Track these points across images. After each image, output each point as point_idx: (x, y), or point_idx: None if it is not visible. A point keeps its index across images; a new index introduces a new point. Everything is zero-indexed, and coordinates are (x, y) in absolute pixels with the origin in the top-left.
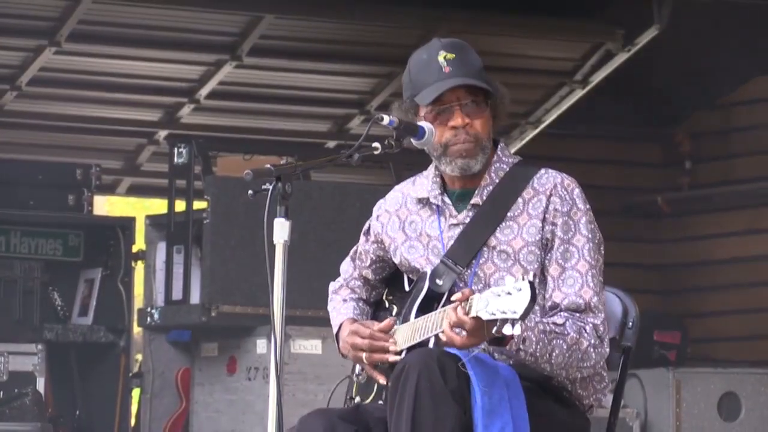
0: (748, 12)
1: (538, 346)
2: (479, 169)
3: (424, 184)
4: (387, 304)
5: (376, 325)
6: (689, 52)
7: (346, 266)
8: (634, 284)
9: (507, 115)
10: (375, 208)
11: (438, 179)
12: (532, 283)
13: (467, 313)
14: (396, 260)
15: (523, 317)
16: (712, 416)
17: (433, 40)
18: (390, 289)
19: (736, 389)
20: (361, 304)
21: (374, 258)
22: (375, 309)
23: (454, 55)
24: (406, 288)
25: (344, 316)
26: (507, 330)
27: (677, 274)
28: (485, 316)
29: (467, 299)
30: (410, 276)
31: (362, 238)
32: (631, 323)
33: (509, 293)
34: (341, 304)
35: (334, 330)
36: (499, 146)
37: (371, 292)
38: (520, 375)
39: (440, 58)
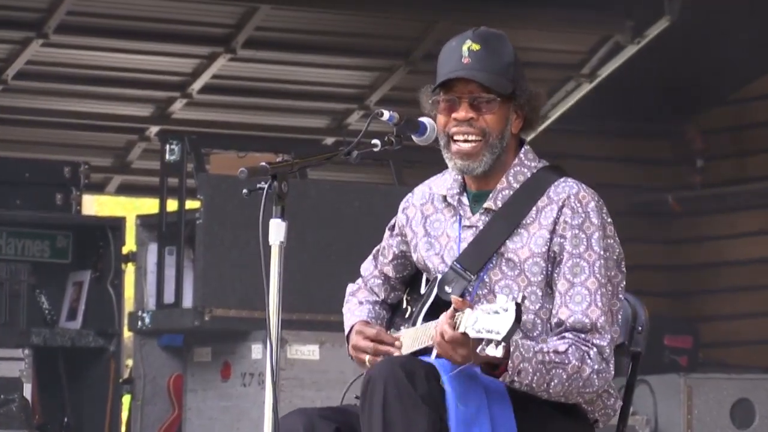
0: (763, 4)
1: (535, 377)
2: (483, 171)
3: (446, 180)
4: (405, 304)
5: (385, 333)
6: (701, 44)
7: (367, 265)
8: (644, 287)
9: (540, 117)
10: (402, 201)
11: (459, 177)
12: (519, 306)
13: (456, 328)
14: (414, 256)
15: (506, 339)
16: (725, 424)
17: (473, 29)
18: (410, 290)
19: (750, 396)
20: (377, 308)
21: (397, 253)
22: (396, 307)
23: (479, 47)
24: (422, 290)
25: (357, 318)
26: (491, 351)
27: (688, 275)
28: (472, 334)
29: (460, 310)
30: (427, 276)
31: (386, 234)
32: (640, 327)
33: (496, 312)
34: (356, 307)
35: (346, 331)
36: (522, 149)
37: (390, 292)
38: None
39: (464, 48)
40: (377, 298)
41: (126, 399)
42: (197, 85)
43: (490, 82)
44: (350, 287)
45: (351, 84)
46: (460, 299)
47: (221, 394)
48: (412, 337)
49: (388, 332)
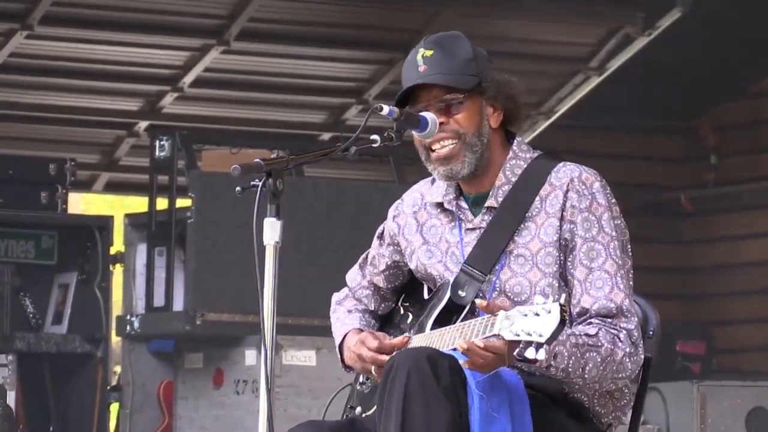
0: None
1: (571, 361)
2: (469, 172)
3: (440, 186)
4: (402, 311)
5: (388, 339)
6: (715, 36)
7: (353, 275)
8: (655, 290)
9: (522, 105)
10: (391, 209)
11: (453, 182)
12: (562, 306)
13: (485, 332)
14: (412, 265)
15: (549, 341)
16: None
17: (425, 37)
18: (406, 296)
19: (766, 404)
20: (367, 316)
21: (389, 263)
22: (390, 315)
23: (432, 51)
24: (425, 296)
25: (349, 327)
26: (530, 354)
27: (702, 278)
28: (508, 336)
29: (492, 313)
30: (428, 284)
31: (375, 242)
32: (651, 332)
33: (537, 314)
34: (345, 315)
35: (337, 341)
36: (515, 141)
37: (380, 303)
38: (530, 385)
39: (418, 57)
40: (366, 308)
41: (114, 407)
42: (188, 79)
43: (447, 81)
44: (336, 296)
45: (349, 77)
46: (487, 303)
47: (213, 402)
48: (423, 342)
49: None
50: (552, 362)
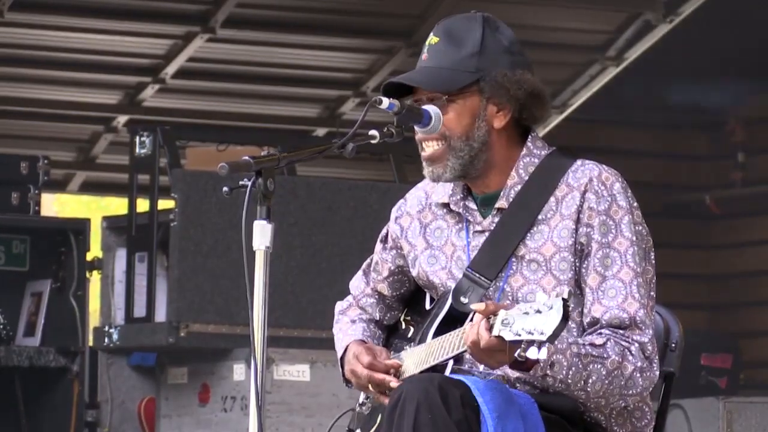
0: None
1: (570, 372)
2: (451, 177)
3: (446, 185)
4: (404, 326)
5: (384, 355)
6: (741, 23)
7: (356, 282)
8: (678, 298)
9: (540, 101)
10: (393, 210)
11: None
12: (565, 301)
13: (489, 330)
14: (414, 272)
15: (551, 339)
16: None
17: (444, 18)
18: (408, 309)
19: None
20: (372, 327)
21: (393, 268)
22: (395, 326)
23: (438, 39)
24: (427, 306)
25: (351, 338)
26: (532, 353)
27: (728, 286)
28: (508, 337)
29: (493, 314)
30: (430, 293)
31: (378, 246)
32: (673, 344)
33: (538, 311)
34: (348, 326)
35: (339, 354)
36: (529, 137)
37: (386, 312)
38: (543, 406)
39: (426, 43)
40: (371, 317)
41: (92, 426)
42: (171, 69)
43: (421, 83)
44: (339, 305)
45: (346, 68)
46: (483, 304)
47: (199, 420)
48: (425, 353)
49: (390, 352)
50: (549, 371)
